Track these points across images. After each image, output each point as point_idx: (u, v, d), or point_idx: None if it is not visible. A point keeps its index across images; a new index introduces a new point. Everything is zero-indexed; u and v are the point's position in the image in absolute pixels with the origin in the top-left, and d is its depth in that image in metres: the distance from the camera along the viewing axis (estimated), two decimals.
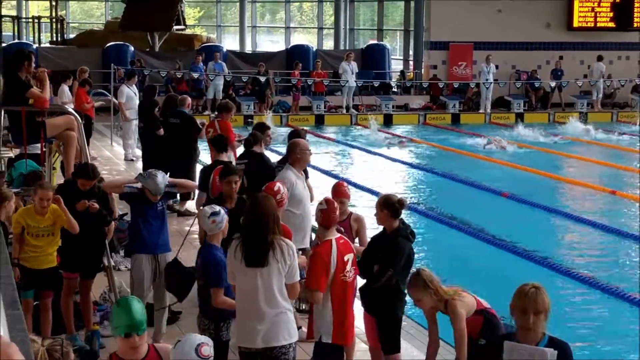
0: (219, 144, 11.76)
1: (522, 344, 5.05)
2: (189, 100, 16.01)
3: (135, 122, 19.84)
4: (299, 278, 6.59)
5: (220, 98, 29.54)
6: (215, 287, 6.99)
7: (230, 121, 14.05)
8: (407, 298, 7.78)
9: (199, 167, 16.27)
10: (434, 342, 6.99)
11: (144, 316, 5.21)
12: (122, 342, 5.19)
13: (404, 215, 7.93)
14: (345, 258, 6.99)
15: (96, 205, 8.76)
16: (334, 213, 7.07)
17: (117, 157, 21.51)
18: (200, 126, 14.78)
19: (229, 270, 6.63)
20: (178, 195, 12.99)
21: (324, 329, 7.06)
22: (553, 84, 33.46)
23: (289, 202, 9.08)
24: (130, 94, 20.36)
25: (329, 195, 8.37)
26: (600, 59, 33.82)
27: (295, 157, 9.43)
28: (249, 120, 28.06)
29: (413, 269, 7.19)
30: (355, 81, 31.72)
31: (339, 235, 7.12)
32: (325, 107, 31.70)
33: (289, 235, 7.55)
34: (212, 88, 30.33)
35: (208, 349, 5.32)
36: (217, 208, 7.32)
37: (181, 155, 13.98)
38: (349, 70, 31.53)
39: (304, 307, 9.22)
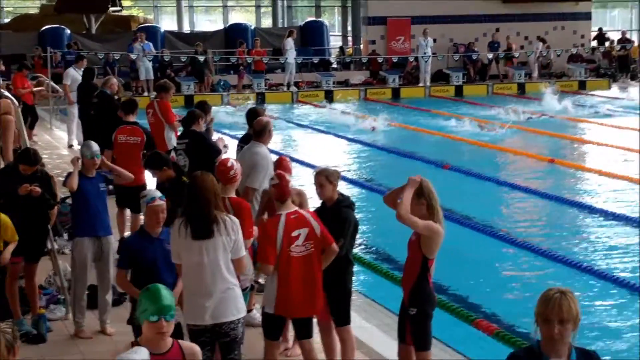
0: (128, 106, 12.42)
1: None
2: (113, 81, 15.95)
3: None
4: (244, 253, 6.61)
5: (152, 78, 29.34)
6: (117, 266, 7.39)
7: (170, 101, 13.97)
8: (355, 269, 7.84)
9: None
10: None
11: (173, 302, 5.11)
12: (148, 327, 4.97)
13: (347, 188, 7.99)
14: (295, 233, 6.96)
15: (38, 189, 8.70)
16: (286, 186, 7.11)
17: (57, 140, 21.29)
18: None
19: (173, 250, 6.63)
20: None
21: (268, 300, 7.11)
22: (490, 55, 33.79)
23: (268, 180, 9.10)
24: (77, 77, 19.92)
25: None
26: (543, 41, 34.17)
27: (267, 136, 9.47)
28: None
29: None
30: (295, 58, 31.70)
31: (294, 209, 7.12)
32: (265, 85, 31.66)
33: (246, 209, 7.53)
34: (142, 69, 30.03)
35: None
36: (146, 192, 7.37)
37: (103, 135, 13.74)
38: (294, 47, 31.57)
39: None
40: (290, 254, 6.97)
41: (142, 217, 11.80)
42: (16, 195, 8.58)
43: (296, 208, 7.15)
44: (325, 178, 7.52)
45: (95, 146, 8.99)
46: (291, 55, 31.34)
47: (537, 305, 4.44)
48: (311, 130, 24.30)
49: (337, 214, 7.47)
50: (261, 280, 10.09)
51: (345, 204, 7.56)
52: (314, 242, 7.05)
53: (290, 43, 31.48)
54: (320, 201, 7.70)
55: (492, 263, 12.49)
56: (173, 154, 11.48)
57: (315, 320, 7.85)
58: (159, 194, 7.24)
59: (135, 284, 7.06)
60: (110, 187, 10.43)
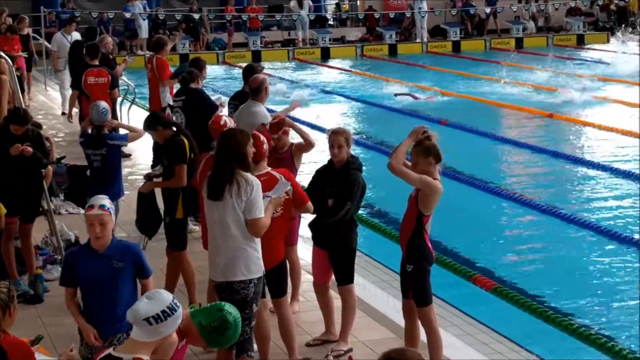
0: (93, 51, 14.06)
1: None
2: (108, 39, 15.86)
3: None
4: (260, 215, 6.45)
5: (146, 37, 29.17)
6: (60, 284, 6.26)
7: (167, 59, 13.86)
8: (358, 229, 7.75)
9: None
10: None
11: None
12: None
13: None
14: (264, 195, 6.79)
15: (30, 149, 8.65)
16: (261, 146, 6.96)
17: (52, 101, 21.16)
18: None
19: (203, 203, 6.71)
20: None
21: None
22: (488, 10, 33.53)
23: None
24: (63, 43, 19.45)
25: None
26: None
27: (264, 94, 9.36)
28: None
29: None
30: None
31: (265, 171, 6.97)
32: (261, 43, 31.44)
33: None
34: (143, 27, 29.83)
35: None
36: (95, 198, 6.04)
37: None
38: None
39: None
40: None
41: None
42: (8, 155, 8.52)
43: (268, 169, 7.01)
44: (344, 139, 7.42)
45: (101, 114, 9.08)
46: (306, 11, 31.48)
47: None
48: (309, 89, 24.12)
49: (345, 176, 7.38)
50: None
51: (354, 166, 7.46)
52: (284, 204, 6.90)
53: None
54: (328, 160, 7.57)
55: (489, 219, 12.47)
56: (168, 111, 11.44)
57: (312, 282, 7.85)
58: (102, 202, 5.95)
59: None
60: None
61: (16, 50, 19.52)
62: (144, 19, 29.75)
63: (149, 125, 8.65)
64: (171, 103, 12.66)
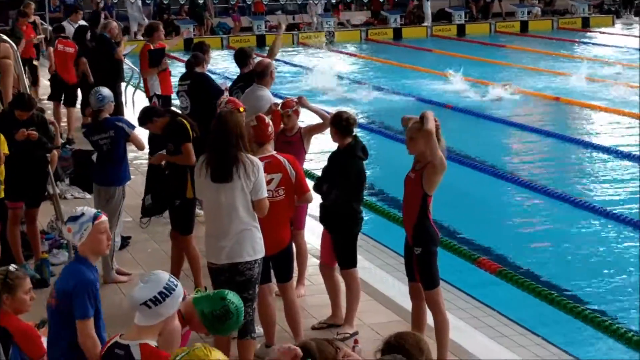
0: (59, 30, 16.32)
1: None
2: (113, 24, 15.69)
3: None
4: (265, 194, 6.51)
5: (135, 29, 29.22)
6: (82, 318, 5.09)
7: (154, 43, 13.68)
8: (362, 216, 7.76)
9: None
10: None
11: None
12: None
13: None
14: (267, 178, 6.76)
15: (35, 134, 8.66)
16: (266, 129, 6.96)
17: None
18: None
19: (196, 186, 6.68)
20: None
21: None
22: None
23: None
24: (70, 31, 19.42)
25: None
26: None
27: (270, 77, 9.33)
28: None
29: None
30: None
31: (269, 154, 6.98)
32: (265, 27, 31.38)
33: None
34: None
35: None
36: (80, 211, 5.16)
37: (103, 77, 13.80)
38: None
39: None
40: None
41: (76, 111, 13.93)
42: (13, 140, 8.53)
43: (273, 153, 7.01)
44: (332, 123, 7.45)
45: (97, 99, 8.85)
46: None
47: None
48: (311, 72, 24.07)
49: (340, 162, 7.42)
50: None
51: (352, 152, 7.45)
52: (287, 188, 6.94)
53: None
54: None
55: (493, 202, 12.48)
56: (155, 99, 11.50)
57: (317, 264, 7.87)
58: (94, 210, 5.26)
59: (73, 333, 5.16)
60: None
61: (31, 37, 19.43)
62: (148, 3, 29.69)
63: (144, 120, 8.63)
64: (158, 92, 12.72)
